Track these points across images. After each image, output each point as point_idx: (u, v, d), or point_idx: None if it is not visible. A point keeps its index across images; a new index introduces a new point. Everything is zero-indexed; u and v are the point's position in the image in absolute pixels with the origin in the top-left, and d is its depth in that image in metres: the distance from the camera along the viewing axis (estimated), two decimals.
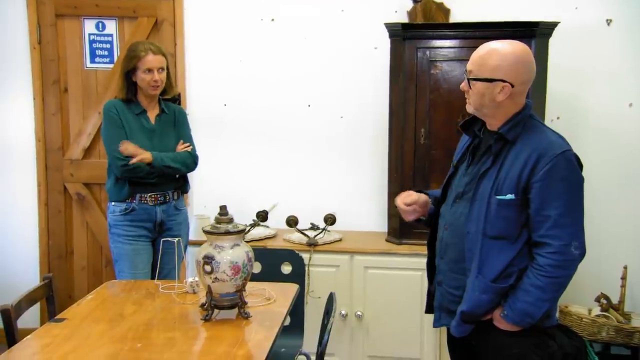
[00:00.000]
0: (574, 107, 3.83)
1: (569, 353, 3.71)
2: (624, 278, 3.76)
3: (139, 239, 3.16)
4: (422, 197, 2.50)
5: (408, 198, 2.47)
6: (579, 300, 3.80)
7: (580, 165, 2.20)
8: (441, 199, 2.48)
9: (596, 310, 3.73)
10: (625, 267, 3.75)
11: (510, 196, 2.17)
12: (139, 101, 3.19)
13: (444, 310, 2.40)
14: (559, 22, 3.41)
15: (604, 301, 3.73)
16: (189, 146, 3.25)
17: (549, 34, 3.39)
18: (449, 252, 2.35)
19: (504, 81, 2.15)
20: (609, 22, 3.78)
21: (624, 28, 3.77)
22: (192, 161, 3.25)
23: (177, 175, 3.25)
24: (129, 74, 3.11)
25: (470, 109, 2.28)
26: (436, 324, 2.47)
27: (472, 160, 2.35)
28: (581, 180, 2.18)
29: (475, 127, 2.37)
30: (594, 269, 3.69)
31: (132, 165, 3.01)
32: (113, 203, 3.16)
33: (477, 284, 2.22)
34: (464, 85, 2.27)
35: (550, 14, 3.49)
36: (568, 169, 2.16)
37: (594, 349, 3.60)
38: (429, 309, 2.54)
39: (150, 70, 3.06)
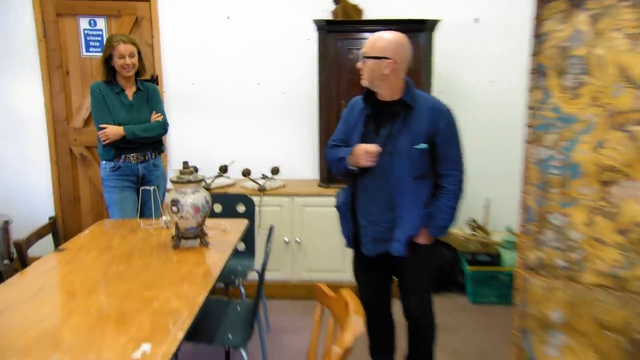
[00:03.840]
0: (454, 83, 3.91)
1: (448, 261, 3.91)
2: (487, 207, 3.93)
3: (126, 189, 3.13)
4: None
5: (373, 147, 2.24)
6: (456, 224, 3.92)
7: None
8: None
9: (468, 230, 3.90)
10: (488, 199, 3.93)
11: (423, 145, 2.25)
12: (118, 82, 3.11)
13: (379, 240, 2.36)
14: (440, 20, 3.45)
15: (473, 224, 3.91)
16: (160, 116, 3.19)
17: (433, 29, 3.43)
18: (379, 197, 2.32)
19: (388, 58, 2.20)
20: (476, 20, 3.85)
21: (488, 24, 3.85)
22: (162, 128, 3.19)
23: (151, 139, 3.19)
24: (107, 61, 3.05)
25: (364, 82, 2.29)
26: (373, 252, 2.38)
27: (378, 126, 2.33)
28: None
29: (369, 100, 2.36)
30: (466, 200, 3.84)
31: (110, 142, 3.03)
32: (104, 162, 3.12)
33: (416, 213, 2.29)
34: (360, 64, 2.28)
35: (434, 14, 3.51)
36: (455, 121, 2.31)
37: (466, 257, 3.77)
38: (351, 244, 2.51)
39: (122, 56, 3.01)
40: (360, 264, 2.56)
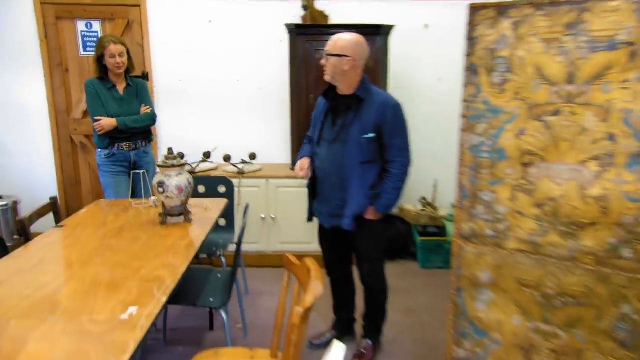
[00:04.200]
0: (407, 81, 3.91)
1: (402, 233, 3.95)
2: (435, 186, 3.97)
3: (119, 173, 3.07)
4: (308, 160, 2.44)
5: (305, 164, 2.41)
6: (409, 201, 3.99)
7: None
8: (317, 145, 2.41)
9: (419, 206, 3.96)
10: (436, 180, 3.96)
11: (371, 135, 2.23)
12: (110, 78, 3.02)
13: (333, 215, 2.39)
14: (395, 26, 3.44)
15: (424, 201, 3.95)
16: (148, 108, 3.11)
17: (389, 33, 3.42)
18: (332, 178, 2.34)
19: (348, 56, 2.20)
20: (426, 26, 3.85)
21: (436, 30, 3.85)
22: (151, 119, 3.12)
23: (141, 129, 3.12)
24: (100, 59, 2.96)
25: (327, 77, 2.28)
26: (328, 225, 2.44)
27: (335, 117, 2.33)
28: (407, 121, 2.31)
29: (330, 95, 2.36)
30: (418, 180, 3.87)
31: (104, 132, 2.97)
32: (99, 150, 3.06)
33: (362, 193, 2.28)
34: (323, 61, 2.26)
35: (389, 20, 3.51)
36: (402, 114, 2.28)
37: (417, 230, 3.82)
38: (311, 219, 2.58)
39: (113, 56, 2.92)
40: (323, 234, 2.59)
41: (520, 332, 1.82)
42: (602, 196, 1.60)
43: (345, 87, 2.28)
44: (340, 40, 2.22)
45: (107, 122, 2.95)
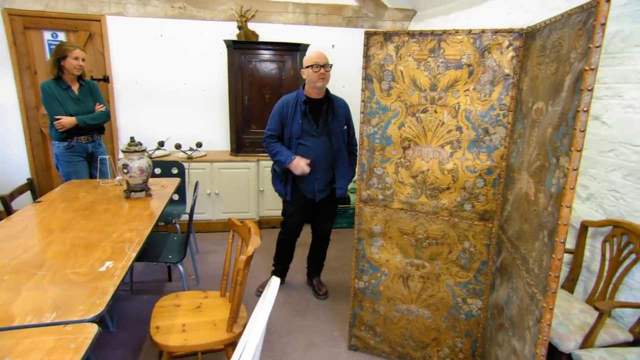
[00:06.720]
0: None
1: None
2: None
3: (79, 162, 2.79)
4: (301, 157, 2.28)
5: (302, 161, 2.24)
6: None
7: None
8: (299, 138, 2.26)
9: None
10: None
11: (345, 127, 2.29)
12: (65, 80, 2.70)
13: (320, 191, 2.36)
14: (310, 44, 3.49)
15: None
16: (103, 107, 2.84)
17: (305, 50, 3.46)
18: (323, 162, 2.29)
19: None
20: (333, 46, 3.93)
21: (339, 49, 3.94)
22: (107, 116, 2.84)
23: (98, 125, 2.85)
24: (59, 61, 2.64)
25: (325, 84, 2.21)
26: (318, 197, 2.36)
27: (314, 115, 2.25)
28: None
29: (301, 100, 2.27)
30: None
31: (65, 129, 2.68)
32: (57, 142, 2.73)
33: (347, 169, 2.34)
34: (324, 71, 2.17)
35: (305, 40, 3.57)
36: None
37: None
38: (288, 197, 2.40)
39: (77, 58, 2.64)
40: (299, 208, 2.46)
41: (401, 266, 1.97)
42: (453, 169, 1.78)
43: (322, 92, 2.25)
44: (325, 54, 2.19)
45: (67, 121, 2.65)
